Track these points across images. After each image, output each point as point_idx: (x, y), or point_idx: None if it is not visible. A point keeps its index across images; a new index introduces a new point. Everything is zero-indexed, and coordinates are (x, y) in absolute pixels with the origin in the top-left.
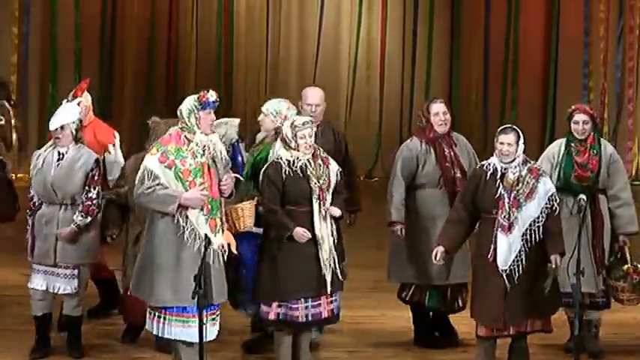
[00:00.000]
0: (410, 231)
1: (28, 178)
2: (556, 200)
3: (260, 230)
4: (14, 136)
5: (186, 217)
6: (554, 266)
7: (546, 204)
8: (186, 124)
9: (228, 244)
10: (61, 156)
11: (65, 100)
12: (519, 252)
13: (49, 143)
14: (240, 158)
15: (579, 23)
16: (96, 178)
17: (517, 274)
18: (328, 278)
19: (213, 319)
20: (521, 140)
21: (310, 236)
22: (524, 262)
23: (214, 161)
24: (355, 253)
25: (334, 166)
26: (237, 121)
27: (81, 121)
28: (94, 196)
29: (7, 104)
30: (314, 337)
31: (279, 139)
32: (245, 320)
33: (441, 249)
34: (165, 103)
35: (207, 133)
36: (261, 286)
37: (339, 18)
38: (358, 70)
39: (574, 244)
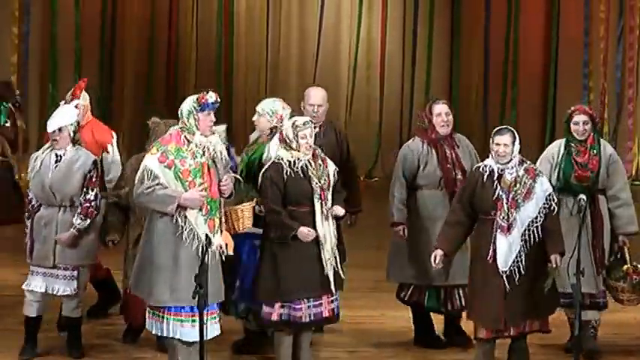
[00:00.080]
0: (410, 231)
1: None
2: (554, 200)
3: (257, 230)
4: (20, 138)
5: (185, 217)
6: (554, 266)
7: (544, 204)
8: (186, 125)
9: (226, 245)
10: (58, 158)
11: (63, 102)
12: (519, 252)
13: (47, 145)
14: (231, 162)
15: (579, 23)
16: (94, 179)
17: (517, 275)
18: (331, 278)
19: (214, 318)
20: (517, 141)
21: (315, 234)
22: (523, 262)
23: (214, 161)
24: (355, 253)
25: (332, 166)
26: (222, 127)
27: (78, 122)
28: (92, 197)
29: (12, 107)
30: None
31: (275, 139)
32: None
33: (440, 252)
34: (165, 104)
35: (207, 134)
36: (263, 287)
37: (339, 18)
38: (358, 70)
39: (574, 245)
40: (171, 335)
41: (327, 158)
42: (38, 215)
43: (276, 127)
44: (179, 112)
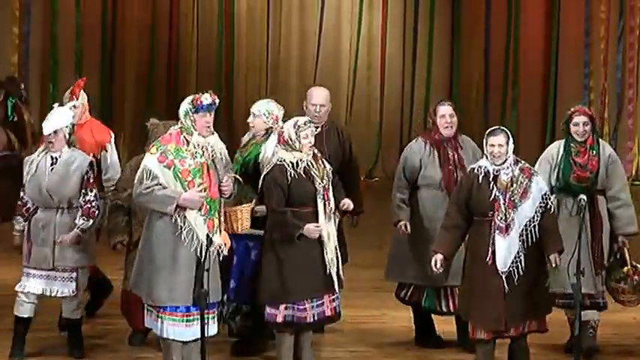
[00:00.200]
0: (411, 232)
1: None
2: (550, 199)
3: (254, 232)
4: (29, 132)
5: (185, 217)
6: (553, 265)
7: (540, 203)
8: (184, 126)
9: (224, 245)
10: (54, 160)
11: (57, 104)
12: (517, 253)
13: (41, 148)
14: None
15: (580, 23)
16: (92, 180)
17: (516, 276)
18: (334, 277)
19: (212, 318)
20: (511, 140)
21: (321, 229)
22: (522, 263)
23: (214, 162)
24: (357, 253)
25: (328, 166)
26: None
27: (74, 125)
28: (92, 198)
29: (18, 101)
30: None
31: (272, 140)
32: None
33: (440, 257)
34: (166, 105)
35: (205, 134)
36: (267, 289)
37: (340, 18)
38: (359, 71)
39: (574, 245)
40: (164, 335)
41: (323, 158)
42: (35, 218)
43: (271, 127)
44: (179, 113)
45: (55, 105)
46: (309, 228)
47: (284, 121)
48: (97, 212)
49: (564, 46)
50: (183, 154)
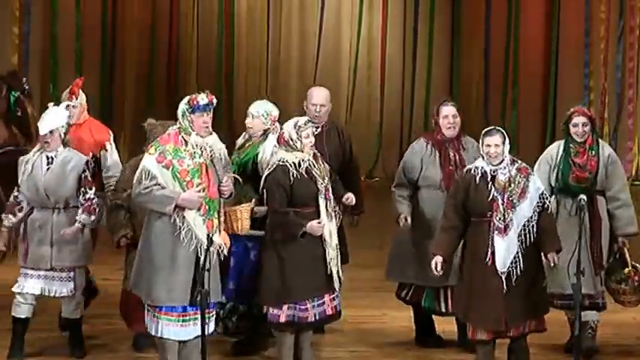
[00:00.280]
0: (411, 231)
1: None
2: (547, 198)
3: (254, 232)
4: (33, 126)
5: (183, 217)
6: (551, 264)
7: (538, 202)
8: (182, 126)
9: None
10: (50, 160)
11: (52, 104)
12: (516, 253)
13: (36, 148)
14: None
15: (580, 23)
16: (89, 178)
17: (515, 276)
18: (335, 276)
19: (210, 317)
20: (507, 140)
21: (325, 224)
22: (521, 262)
23: (212, 162)
24: (357, 252)
25: (327, 165)
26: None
27: (69, 124)
28: (92, 195)
29: (21, 95)
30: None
31: (270, 140)
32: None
33: (439, 259)
34: (166, 105)
35: (203, 134)
36: (269, 290)
37: (340, 19)
38: (359, 71)
39: (574, 245)
40: (160, 335)
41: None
42: (32, 218)
43: (269, 128)
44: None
45: (50, 104)
46: (313, 225)
47: (280, 122)
48: (97, 209)
49: (564, 46)
50: (181, 154)
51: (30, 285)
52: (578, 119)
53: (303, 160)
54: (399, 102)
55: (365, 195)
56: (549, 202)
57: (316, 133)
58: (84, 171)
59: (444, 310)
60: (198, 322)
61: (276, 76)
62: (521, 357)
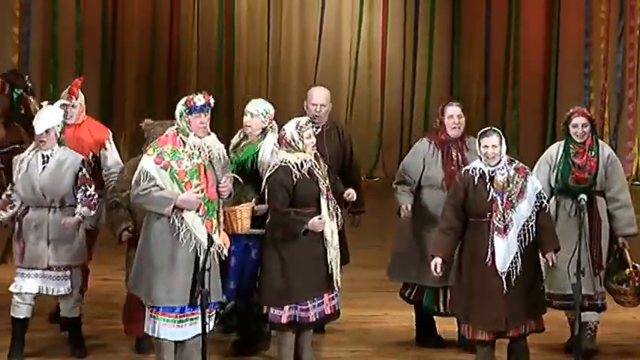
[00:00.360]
0: (413, 231)
1: None
2: (544, 197)
3: (255, 231)
4: None
5: (182, 218)
6: (550, 264)
7: (536, 202)
8: (180, 127)
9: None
10: (45, 159)
11: (46, 102)
12: (516, 253)
13: (32, 146)
14: None
15: (580, 23)
16: (87, 176)
17: (514, 276)
18: (335, 275)
19: (210, 317)
20: (504, 141)
21: (324, 213)
22: (520, 263)
23: (211, 162)
24: (358, 252)
25: (325, 165)
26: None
27: (65, 124)
28: (92, 192)
29: (24, 92)
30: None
31: (269, 139)
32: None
33: (439, 261)
34: (166, 105)
35: (200, 135)
36: (271, 291)
37: (340, 19)
38: (359, 71)
39: (574, 245)
40: (156, 335)
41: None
42: (27, 218)
43: (266, 127)
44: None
45: (44, 103)
46: (314, 222)
47: (279, 122)
48: (97, 205)
49: (564, 46)
50: (179, 155)
51: (27, 284)
52: (578, 120)
53: (305, 161)
54: (399, 102)
55: (365, 195)
56: (547, 201)
57: (316, 133)
58: (80, 169)
59: (442, 310)
60: (196, 322)
61: (276, 76)
62: (521, 357)
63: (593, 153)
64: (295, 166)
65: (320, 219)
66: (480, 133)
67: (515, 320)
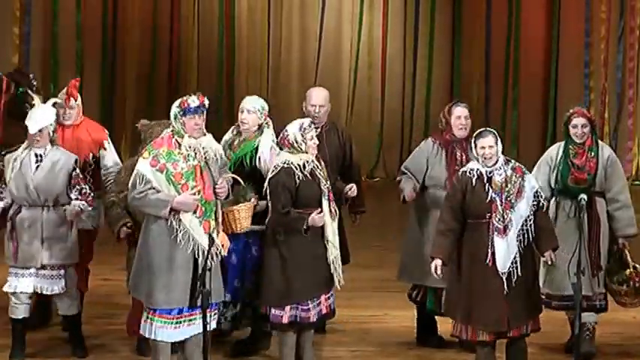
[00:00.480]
0: (417, 232)
1: None
2: (541, 196)
3: (255, 228)
4: None
5: (180, 220)
6: (549, 262)
7: (533, 201)
8: (175, 128)
9: (222, 246)
10: (38, 158)
11: (39, 102)
12: (516, 253)
13: (24, 145)
14: None
15: (580, 23)
16: (81, 175)
17: (515, 276)
18: (335, 275)
19: (211, 317)
20: (499, 141)
21: (326, 213)
22: (519, 263)
23: (207, 163)
24: (359, 252)
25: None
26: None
27: (60, 123)
28: (88, 190)
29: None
30: None
31: (267, 136)
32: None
33: (439, 262)
34: (166, 105)
35: (195, 136)
36: (272, 291)
37: (340, 19)
38: (359, 71)
39: (574, 246)
40: (152, 336)
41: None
42: (20, 217)
43: (262, 123)
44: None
45: (37, 102)
46: (314, 218)
47: (279, 121)
48: (94, 201)
49: (564, 46)
50: (175, 157)
51: (22, 284)
52: (578, 120)
53: (307, 162)
54: (399, 102)
55: (366, 195)
56: (547, 202)
57: (316, 133)
58: (74, 169)
59: (443, 311)
60: (193, 322)
61: (276, 76)
62: (519, 357)
63: (592, 154)
64: (298, 167)
65: (319, 213)
66: (475, 134)
67: (517, 320)
